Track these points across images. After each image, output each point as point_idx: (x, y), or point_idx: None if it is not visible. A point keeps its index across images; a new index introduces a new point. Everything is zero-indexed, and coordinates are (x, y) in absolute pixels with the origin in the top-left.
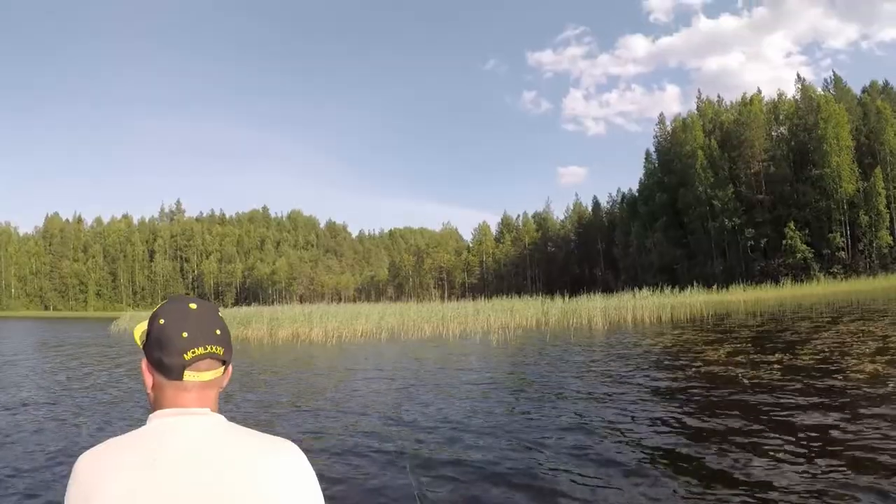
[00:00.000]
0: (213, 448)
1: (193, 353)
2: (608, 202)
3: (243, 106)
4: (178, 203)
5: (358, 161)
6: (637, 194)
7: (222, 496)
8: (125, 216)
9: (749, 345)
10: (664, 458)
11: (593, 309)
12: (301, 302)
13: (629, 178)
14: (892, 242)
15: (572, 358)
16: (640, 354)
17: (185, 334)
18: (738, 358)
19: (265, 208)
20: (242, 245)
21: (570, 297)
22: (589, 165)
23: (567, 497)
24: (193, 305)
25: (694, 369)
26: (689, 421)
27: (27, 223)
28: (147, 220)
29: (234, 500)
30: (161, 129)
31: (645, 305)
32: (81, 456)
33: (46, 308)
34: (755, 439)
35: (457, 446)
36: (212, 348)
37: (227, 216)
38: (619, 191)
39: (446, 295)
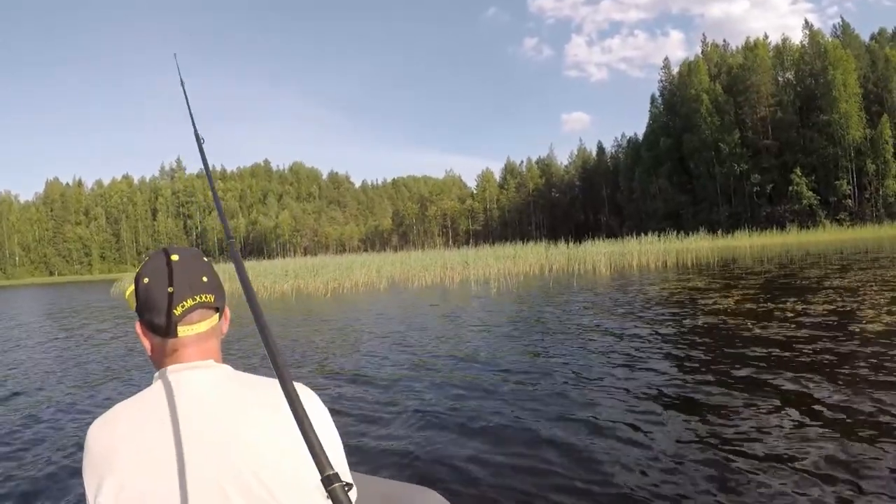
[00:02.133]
0: (223, 399)
1: (183, 306)
2: (613, 147)
3: (241, 60)
4: (179, 160)
5: (360, 112)
6: (642, 139)
7: (237, 446)
8: (125, 177)
9: (758, 292)
10: (662, 415)
11: (597, 255)
12: (305, 254)
13: (634, 125)
14: None
15: (573, 306)
16: (645, 302)
17: (170, 289)
18: (748, 306)
19: (266, 161)
20: (245, 199)
21: (574, 243)
22: (592, 112)
23: (554, 447)
24: (175, 257)
25: (702, 319)
26: (696, 376)
27: (27, 190)
28: (148, 179)
29: (249, 449)
30: (157, 85)
31: (650, 251)
32: (91, 425)
33: (51, 274)
34: (766, 399)
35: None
36: (201, 297)
37: (229, 171)
38: (623, 136)
39: (450, 242)
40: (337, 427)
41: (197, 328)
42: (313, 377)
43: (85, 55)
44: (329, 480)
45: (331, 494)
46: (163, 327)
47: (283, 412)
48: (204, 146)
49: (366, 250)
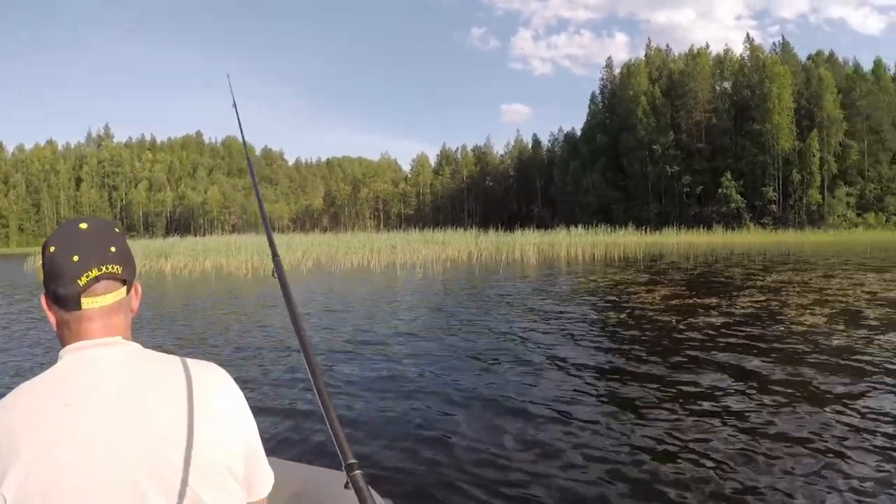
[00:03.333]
0: (130, 379)
1: (87, 276)
2: (549, 141)
3: (180, 26)
4: (107, 127)
5: (299, 89)
6: (579, 135)
7: (146, 428)
8: (49, 142)
9: (683, 288)
10: (579, 404)
11: (527, 244)
12: (233, 232)
13: (572, 120)
14: (820, 201)
15: (496, 293)
16: (570, 292)
17: (75, 258)
18: (673, 302)
19: (199, 133)
20: (174, 172)
21: (505, 231)
22: (533, 105)
23: (465, 431)
24: (84, 225)
25: (626, 312)
26: (615, 367)
27: None
28: (73, 146)
29: (159, 431)
30: (89, 47)
31: (579, 243)
32: None
33: None
34: (687, 390)
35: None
36: (107, 268)
37: (159, 142)
38: (560, 130)
39: (382, 226)
40: (255, 411)
41: (102, 300)
42: (226, 358)
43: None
44: (350, 468)
45: (352, 481)
46: (66, 299)
47: (194, 391)
48: (141, 115)
49: (296, 230)
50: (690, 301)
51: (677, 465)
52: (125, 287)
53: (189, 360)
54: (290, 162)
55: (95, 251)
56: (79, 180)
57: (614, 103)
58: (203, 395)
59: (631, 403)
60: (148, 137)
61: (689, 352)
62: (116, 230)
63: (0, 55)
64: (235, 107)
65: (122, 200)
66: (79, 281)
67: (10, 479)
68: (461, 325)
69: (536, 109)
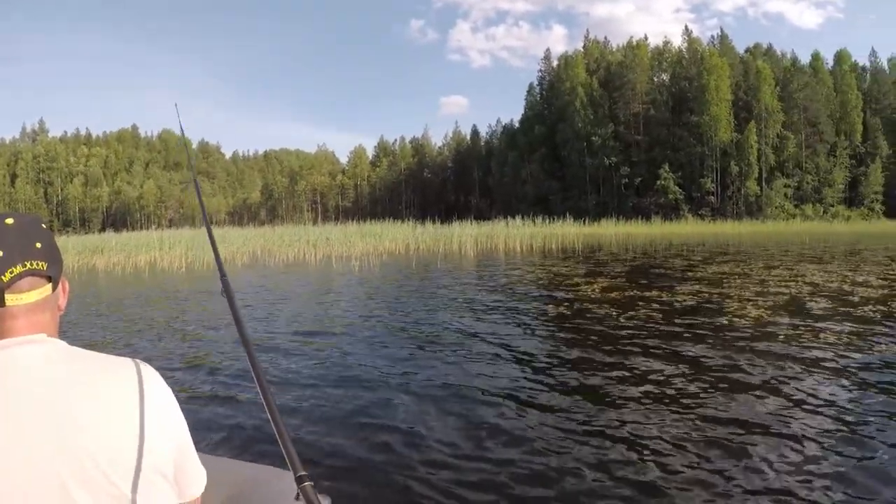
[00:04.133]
0: (55, 377)
1: (11, 272)
2: (487, 132)
3: (116, 18)
4: (42, 122)
5: (235, 82)
6: (518, 126)
7: (72, 429)
8: None
9: (623, 280)
10: (517, 401)
11: (465, 236)
12: (170, 226)
13: (510, 112)
14: (758, 192)
15: (432, 286)
16: (508, 285)
17: (0, 253)
18: (613, 294)
19: (135, 127)
20: (110, 167)
21: (443, 223)
22: (471, 97)
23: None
24: (10, 221)
25: (566, 304)
26: (556, 358)
27: None
28: (8, 141)
29: (85, 431)
30: (23, 40)
31: (517, 234)
32: None
33: None
34: (627, 385)
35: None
36: (31, 264)
37: (94, 136)
38: (499, 122)
39: (320, 218)
40: (189, 408)
41: (26, 297)
42: (157, 358)
43: None
44: (301, 480)
45: (302, 493)
46: None
47: (121, 388)
48: (72, 112)
49: (233, 224)
50: (631, 293)
51: (618, 450)
52: (51, 284)
53: (115, 358)
54: (228, 155)
55: (20, 247)
56: (14, 176)
57: (552, 95)
58: (129, 394)
59: (572, 392)
60: (83, 132)
61: (629, 343)
62: (43, 226)
63: None
64: (183, 134)
65: (57, 196)
66: (2, 277)
67: None
68: (396, 318)
69: (475, 101)
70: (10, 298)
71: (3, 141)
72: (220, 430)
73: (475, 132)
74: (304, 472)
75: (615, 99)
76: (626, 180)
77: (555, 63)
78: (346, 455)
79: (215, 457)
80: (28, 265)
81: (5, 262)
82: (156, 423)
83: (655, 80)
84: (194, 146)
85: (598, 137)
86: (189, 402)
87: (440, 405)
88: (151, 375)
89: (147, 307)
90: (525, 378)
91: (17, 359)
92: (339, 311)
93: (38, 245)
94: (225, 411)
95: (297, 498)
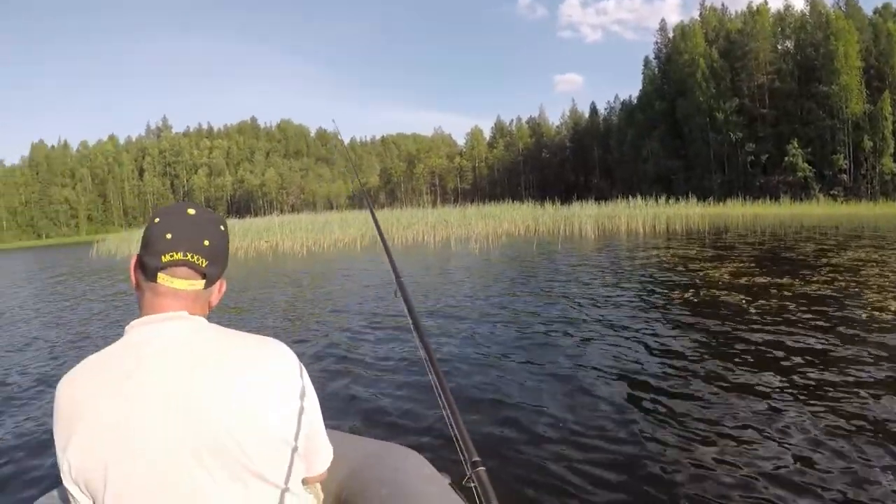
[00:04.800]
0: (194, 352)
1: (171, 256)
2: (605, 109)
3: (227, 19)
4: (164, 120)
5: (348, 70)
6: (636, 102)
7: (207, 401)
8: (111, 137)
9: (752, 265)
10: (642, 397)
11: (585, 217)
12: (292, 211)
13: (627, 88)
14: (895, 170)
15: (554, 268)
16: (631, 268)
17: (168, 236)
18: (741, 280)
19: (253, 119)
20: (232, 157)
21: (563, 204)
22: (586, 73)
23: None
24: (192, 211)
25: (691, 291)
26: (681, 357)
27: (13, 154)
28: (134, 138)
29: (220, 404)
30: (141, 47)
31: (639, 215)
32: (60, 381)
33: (39, 237)
34: (757, 383)
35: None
36: (192, 257)
37: (216, 129)
38: (616, 98)
39: (439, 201)
40: (317, 385)
41: (175, 283)
42: (288, 334)
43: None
44: (475, 465)
45: (476, 477)
46: (146, 267)
47: (258, 366)
48: (196, 106)
49: (353, 207)
50: (760, 279)
51: (762, 443)
52: (205, 281)
53: (253, 336)
54: (346, 142)
55: (189, 238)
56: (142, 170)
57: (670, 68)
58: (266, 371)
59: (706, 382)
60: (205, 126)
61: (759, 333)
62: (221, 227)
63: (63, 65)
64: (343, 144)
65: (183, 186)
66: (163, 257)
67: (73, 446)
68: (518, 301)
69: (590, 78)
70: (161, 277)
71: (129, 139)
72: (346, 406)
73: (593, 110)
74: (478, 458)
75: (737, 70)
76: (752, 157)
77: (671, 34)
78: (485, 435)
79: (340, 432)
80: (189, 257)
81: (169, 245)
82: (289, 399)
83: (779, 47)
84: (312, 134)
85: (721, 112)
86: (316, 378)
87: (573, 387)
88: (286, 353)
89: (271, 289)
90: (653, 365)
91: (160, 333)
92: (461, 292)
93: (206, 243)
94: (350, 388)
95: (466, 482)
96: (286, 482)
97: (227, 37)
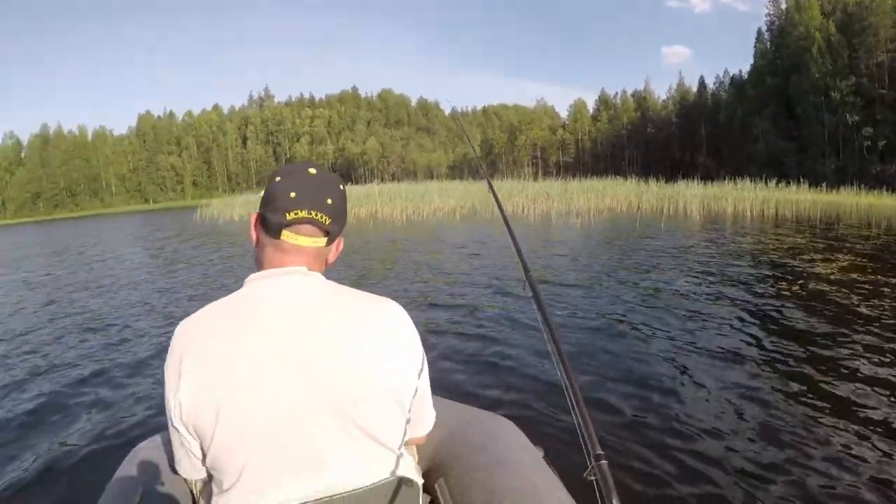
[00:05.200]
0: (313, 307)
1: (296, 214)
2: (714, 84)
3: None
4: (267, 89)
5: (451, 40)
6: (746, 77)
7: (324, 355)
8: (215, 107)
9: (866, 261)
10: (750, 391)
11: (690, 196)
12: (393, 180)
13: (737, 62)
14: None
15: (657, 248)
16: (736, 253)
17: (292, 194)
18: (854, 275)
19: (354, 88)
20: (333, 126)
21: (667, 182)
22: (694, 46)
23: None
24: (313, 171)
25: (799, 284)
26: (786, 362)
27: (121, 124)
28: (237, 108)
29: (336, 359)
30: (244, 19)
31: (747, 198)
32: (179, 324)
33: (147, 201)
34: (869, 401)
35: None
36: (316, 214)
37: (317, 99)
38: (726, 72)
39: (540, 173)
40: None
41: (300, 241)
42: (397, 297)
43: None
44: (598, 458)
45: (598, 470)
46: (270, 224)
47: (373, 324)
48: (298, 77)
49: (453, 178)
50: (874, 277)
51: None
52: (326, 238)
53: (370, 295)
54: (447, 112)
55: (313, 196)
56: (245, 139)
57: (783, 42)
58: (382, 330)
59: (812, 380)
60: (307, 95)
61: (871, 336)
62: (341, 187)
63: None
64: (466, 138)
65: (285, 154)
66: (287, 214)
67: (186, 387)
68: (621, 278)
69: (698, 51)
70: (285, 234)
71: (233, 108)
72: (452, 374)
73: (702, 84)
74: (601, 451)
75: (855, 46)
76: (869, 142)
77: (783, 5)
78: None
79: (438, 397)
80: (313, 214)
81: (294, 203)
82: (404, 361)
83: None
84: (413, 104)
85: (836, 91)
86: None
87: (680, 375)
88: (401, 314)
89: (371, 255)
90: (759, 360)
91: (280, 287)
92: (565, 265)
93: (329, 201)
94: (459, 357)
95: (587, 475)
96: (394, 442)
97: (328, 7)
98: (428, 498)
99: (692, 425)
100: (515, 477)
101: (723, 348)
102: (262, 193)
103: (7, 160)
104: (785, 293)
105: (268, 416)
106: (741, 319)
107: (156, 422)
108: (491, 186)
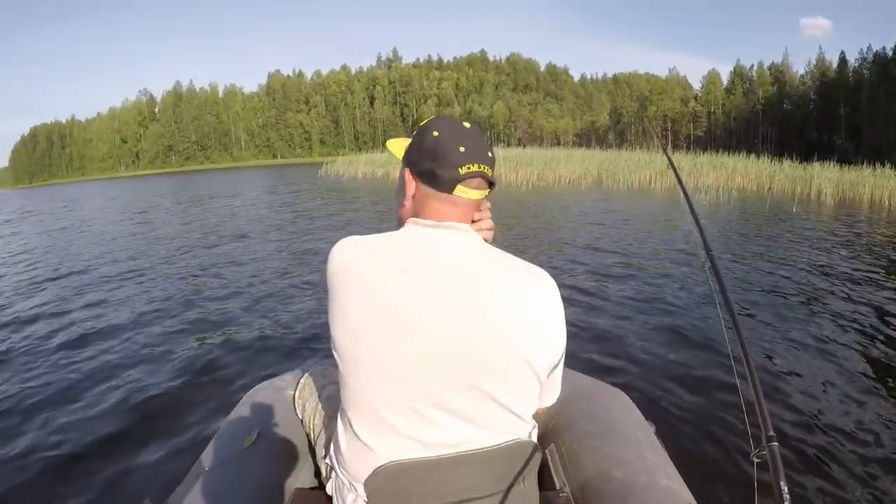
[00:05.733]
0: (469, 263)
1: (469, 168)
2: (856, 61)
3: None
4: (395, 51)
5: (580, 4)
6: (892, 53)
7: (472, 312)
8: (344, 67)
9: None
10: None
11: (825, 180)
12: (519, 145)
13: (884, 38)
14: None
15: (785, 234)
16: (868, 245)
17: (461, 149)
18: None
19: (483, 52)
20: (461, 89)
21: (802, 162)
22: (836, 18)
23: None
24: (467, 125)
25: None
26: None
27: (251, 83)
28: (365, 69)
29: (487, 319)
30: None
31: (886, 186)
32: (339, 241)
33: (275, 157)
34: None
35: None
36: (484, 167)
37: (445, 61)
38: (870, 48)
39: (671, 146)
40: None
41: (471, 194)
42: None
43: None
44: (769, 439)
45: (769, 452)
46: (442, 180)
47: (525, 291)
48: (426, 38)
49: (580, 145)
50: None
51: None
52: (489, 189)
53: (526, 263)
54: (576, 78)
55: (479, 150)
56: (372, 99)
57: None
58: (532, 298)
59: None
60: (434, 58)
61: None
62: (489, 141)
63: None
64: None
65: (413, 116)
66: (460, 169)
67: (349, 304)
68: (739, 263)
69: (841, 23)
70: (459, 189)
71: (361, 69)
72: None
73: (842, 60)
74: (773, 433)
75: None
76: None
77: None
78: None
79: None
80: (483, 168)
81: (465, 158)
82: (547, 332)
83: None
84: (542, 68)
85: None
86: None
87: (826, 367)
88: (550, 283)
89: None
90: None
91: (444, 237)
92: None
93: (490, 154)
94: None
95: (754, 457)
96: (523, 410)
97: None
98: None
99: (856, 429)
100: (626, 447)
101: (863, 344)
102: (405, 145)
103: (142, 115)
104: None
105: (410, 361)
106: (875, 316)
107: (277, 364)
108: (671, 162)
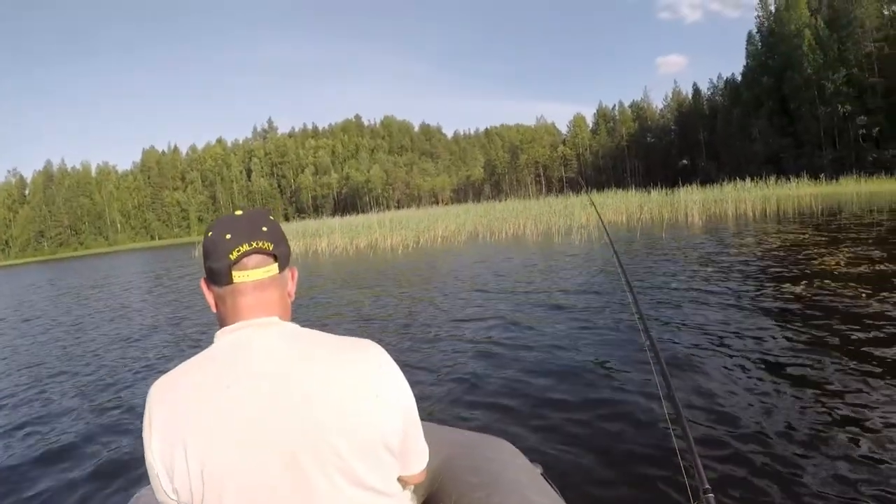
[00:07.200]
0: (288, 360)
1: (238, 250)
2: (709, 89)
3: (323, 22)
4: (270, 121)
5: (449, 64)
6: (740, 79)
7: (303, 407)
8: (219, 140)
9: (871, 249)
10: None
11: (691, 202)
12: (398, 207)
13: (732, 66)
14: None
15: (656, 259)
16: (737, 257)
17: (228, 236)
18: (860, 269)
19: (357, 117)
20: (337, 155)
21: (669, 189)
22: (689, 54)
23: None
24: (240, 212)
25: (804, 282)
26: (794, 351)
27: (125, 160)
28: (241, 141)
29: (316, 409)
30: (243, 52)
31: (747, 198)
32: (153, 387)
33: (152, 238)
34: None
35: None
36: (257, 243)
37: (320, 128)
38: (720, 77)
39: (544, 191)
40: (409, 380)
41: (253, 274)
42: (381, 334)
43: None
44: (705, 491)
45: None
46: (218, 272)
47: (354, 371)
48: (300, 107)
49: (458, 201)
50: (881, 267)
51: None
52: (277, 263)
53: (347, 338)
54: (449, 135)
55: (248, 229)
56: (249, 172)
57: (773, 41)
58: (362, 374)
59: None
60: (310, 126)
61: (882, 332)
62: (270, 217)
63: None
64: None
65: (290, 186)
66: (230, 255)
67: (178, 457)
68: (619, 297)
69: (693, 59)
70: (236, 275)
71: (237, 141)
72: (434, 400)
73: (696, 90)
74: (708, 486)
75: (843, 39)
76: (864, 131)
77: (772, 7)
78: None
79: (433, 423)
80: (254, 244)
81: (232, 243)
82: (386, 402)
83: (885, 12)
84: (416, 128)
85: (829, 83)
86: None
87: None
88: (382, 356)
89: (370, 287)
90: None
91: (251, 341)
92: (567, 286)
93: (264, 228)
94: (435, 380)
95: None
96: (385, 485)
97: (327, 38)
98: None
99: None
100: (512, 495)
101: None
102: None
103: (11, 198)
104: (787, 294)
105: (255, 474)
106: (745, 328)
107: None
108: (593, 204)
